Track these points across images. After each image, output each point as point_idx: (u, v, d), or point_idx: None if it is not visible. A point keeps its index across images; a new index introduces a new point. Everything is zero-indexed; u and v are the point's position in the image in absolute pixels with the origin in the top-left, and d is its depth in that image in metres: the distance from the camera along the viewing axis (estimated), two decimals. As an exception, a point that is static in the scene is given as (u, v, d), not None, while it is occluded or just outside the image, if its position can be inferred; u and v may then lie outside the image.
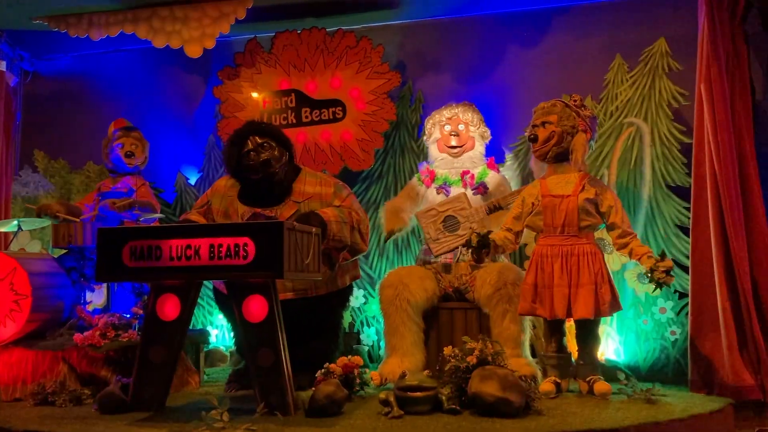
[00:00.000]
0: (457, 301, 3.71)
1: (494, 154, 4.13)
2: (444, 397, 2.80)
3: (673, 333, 3.78)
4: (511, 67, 4.34)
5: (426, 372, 3.24)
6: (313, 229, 3.02)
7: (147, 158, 4.44)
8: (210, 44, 4.30)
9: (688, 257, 3.59)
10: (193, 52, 4.31)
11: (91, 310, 3.82)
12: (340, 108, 4.42)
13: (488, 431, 2.49)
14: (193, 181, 4.83)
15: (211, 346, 4.42)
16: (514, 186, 4.08)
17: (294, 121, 4.46)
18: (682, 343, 3.70)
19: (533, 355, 3.58)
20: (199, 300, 3.73)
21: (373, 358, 4.26)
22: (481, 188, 3.90)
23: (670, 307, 3.80)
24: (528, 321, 3.50)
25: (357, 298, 4.28)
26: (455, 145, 3.98)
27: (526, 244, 3.94)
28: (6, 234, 4.69)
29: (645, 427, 2.63)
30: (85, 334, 3.35)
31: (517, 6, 4.32)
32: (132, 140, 4.33)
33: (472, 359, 2.83)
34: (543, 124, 3.34)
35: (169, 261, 2.76)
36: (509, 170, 4.22)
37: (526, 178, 4.12)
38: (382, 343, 3.86)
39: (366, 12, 4.47)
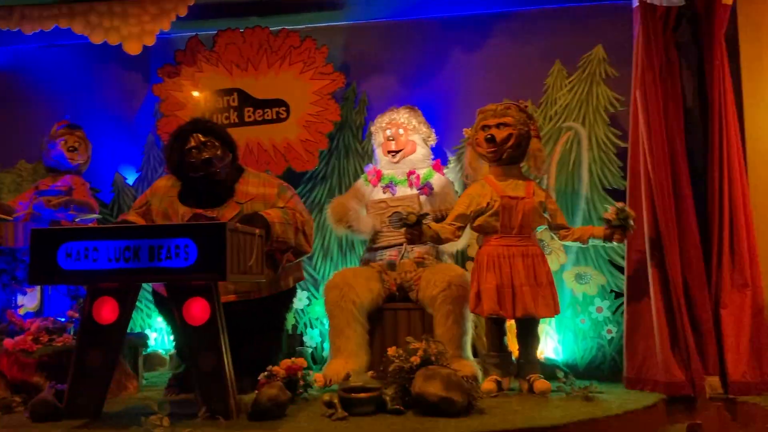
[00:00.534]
0: (401, 299, 3.73)
1: (437, 156, 4.18)
2: (388, 398, 2.81)
3: (609, 332, 3.90)
4: (455, 70, 4.39)
5: (370, 373, 3.26)
6: (257, 231, 2.99)
7: (89, 159, 4.32)
8: (150, 41, 4.19)
9: (623, 258, 3.71)
10: (133, 49, 4.20)
11: (23, 314, 3.68)
12: (284, 108, 4.39)
13: (431, 430, 2.51)
14: (131, 181, 4.70)
15: (150, 350, 4.32)
16: (457, 188, 4.14)
17: (236, 120, 4.41)
18: (618, 341, 3.81)
19: (475, 354, 3.64)
20: (137, 302, 3.64)
21: (316, 360, 4.25)
22: (426, 189, 3.94)
23: (606, 306, 3.91)
24: (470, 321, 3.56)
25: (300, 299, 4.25)
26: (393, 150, 4.01)
27: (469, 245, 3.99)
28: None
29: (583, 424, 2.71)
30: (16, 339, 3.23)
31: (459, 11, 4.38)
32: (76, 138, 4.21)
33: (415, 359, 2.85)
34: (498, 125, 3.38)
35: (107, 263, 2.68)
36: (451, 173, 4.27)
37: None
38: (326, 345, 3.85)
39: (310, 12, 4.45)
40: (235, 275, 2.70)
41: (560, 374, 3.32)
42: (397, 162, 4.01)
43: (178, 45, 4.54)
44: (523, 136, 3.38)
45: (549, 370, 3.54)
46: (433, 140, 4.14)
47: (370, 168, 4.13)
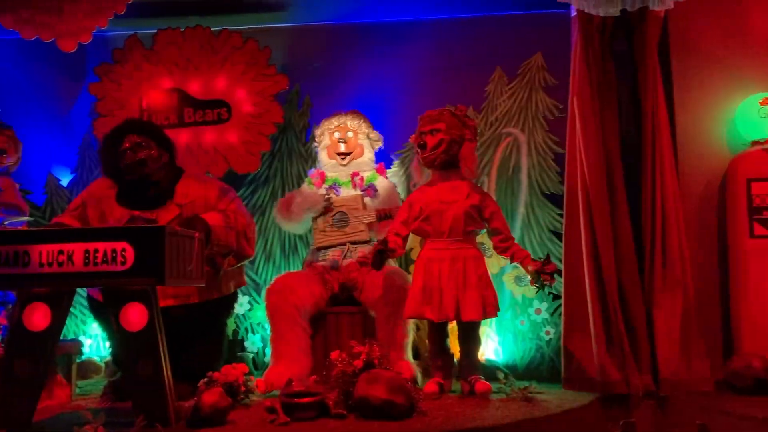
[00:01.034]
0: (344, 299, 3.73)
1: (382, 160, 4.20)
2: (331, 402, 2.80)
3: (547, 333, 3.99)
4: (398, 75, 4.41)
5: (313, 377, 3.23)
6: (197, 234, 2.93)
7: (20, 159, 4.15)
8: (86, 39, 4.06)
9: (561, 261, 3.80)
10: (67, 46, 4.05)
11: (-53, 321, 3.52)
12: (225, 109, 4.33)
13: (374, 434, 2.52)
14: (65, 182, 4.54)
15: (84, 357, 4.19)
16: (401, 192, 4.16)
17: (176, 121, 4.32)
18: (556, 342, 3.90)
19: (417, 357, 3.67)
20: (71, 308, 3.52)
21: (258, 366, 4.19)
22: (370, 191, 3.96)
23: (545, 308, 4.00)
24: (412, 324, 3.59)
25: (242, 304, 4.20)
26: (344, 152, 4.02)
27: (411, 249, 4.02)
28: None
29: (522, 424, 2.76)
30: (-60, 347, 3.09)
31: (404, 15, 4.41)
32: (5, 138, 4.04)
33: (358, 363, 2.85)
34: (431, 131, 3.43)
35: (39, 267, 2.58)
36: (395, 176, 4.29)
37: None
38: (268, 350, 3.81)
39: (252, 13, 4.41)
40: (173, 280, 2.64)
41: (500, 375, 3.37)
42: (346, 164, 4.02)
43: (117, 43, 4.43)
44: (456, 141, 3.42)
45: (489, 371, 3.59)
46: (379, 145, 4.17)
47: (313, 171, 4.13)
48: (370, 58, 4.45)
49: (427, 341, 3.62)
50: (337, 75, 4.47)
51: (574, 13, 3.72)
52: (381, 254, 3.28)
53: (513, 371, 3.78)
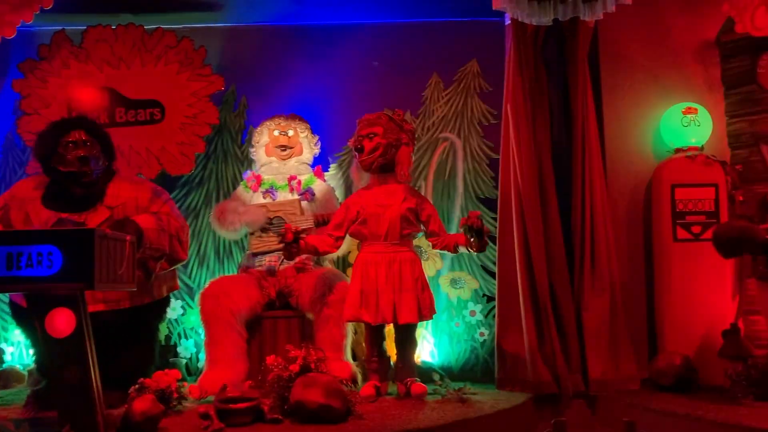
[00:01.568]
0: (280, 305, 3.70)
1: (319, 163, 4.18)
2: (266, 407, 2.78)
3: (482, 334, 4.06)
4: (337, 78, 4.40)
5: (248, 383, 3.20)
6: (128, 237, 2.85)
7: None
8: (10, 33, 3.89)
9: (495, 263, 3.88)
10: (-10, 40, 3.90)
11: None
12: (159, 109, 4.23)
13: (310, 438, 2.52)
14: (-15, 183, 4.36)
15: (5, 365, 4.03)
16: (338, 195, 4.16)
17: (107, 120, 4.19)
18: (490, 343, 3.97)
19: (354, 359, 3.67)
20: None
21: (191, 371, 4.11)
22: (308, 194, 3.94)
23: (479, 310, 4.07)
24: (350, 325, 3.59)
25: (174, 309, 4.11)
26: (285, 145, 3.99)
27: (350, 252, 4.03)
28: None
29: (457, 425, 2.81)
30: None
31: (341, 19, 4.41)
32: None
33: (294, 367, 2.84)
34: (369, 135, 3.45)
35: (-43, 272, 2.47)
36: (333, 179, 4.28)
37: (350, 188, 4.21)
38: (201, 356, 3.75)
39: (187, 12, 4.32)
40: (103, 284, 2.56)
41: (436, 377, 3.42)
42: (286, 158, 3.98)
43: (43, 39, 4.26)
44: (392, 145, 3.45)
45: (425, 373, 3.64)
46: (317, 148, 4.15)
47: (248, 174, 4.07)
48: (308, 60, 4.43)
49: (363, 344, 3.63)
50: (275, 77, 4.43)
51: (508, 22, 3.80)
52: (288, 246, 3.23)
53: (448, 373, 3.84)
